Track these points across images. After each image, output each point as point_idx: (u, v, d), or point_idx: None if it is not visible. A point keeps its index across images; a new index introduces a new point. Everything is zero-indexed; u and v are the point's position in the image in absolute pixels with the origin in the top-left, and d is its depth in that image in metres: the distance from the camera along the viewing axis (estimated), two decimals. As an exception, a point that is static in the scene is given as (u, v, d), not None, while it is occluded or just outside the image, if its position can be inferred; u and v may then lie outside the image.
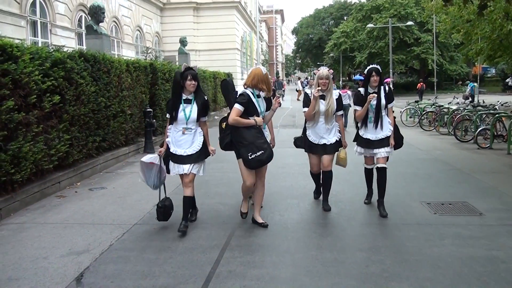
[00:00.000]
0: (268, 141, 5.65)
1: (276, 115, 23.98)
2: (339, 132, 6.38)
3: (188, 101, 5.49)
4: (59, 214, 6.44)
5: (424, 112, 17.91)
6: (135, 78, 11.36)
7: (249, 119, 5.41)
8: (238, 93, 5.58)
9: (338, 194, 7.21)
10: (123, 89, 10.51)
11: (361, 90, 6.43)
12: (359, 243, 5.18)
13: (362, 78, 29.01)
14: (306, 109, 6.32)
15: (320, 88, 6.06)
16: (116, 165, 10.06)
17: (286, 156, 10.64)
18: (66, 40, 16.98)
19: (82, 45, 18.19)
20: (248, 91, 5.50)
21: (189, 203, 5.65)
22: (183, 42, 21.87)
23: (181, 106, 5.45)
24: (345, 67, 62.36)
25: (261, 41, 53.84)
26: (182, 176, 5.58)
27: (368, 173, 6.78)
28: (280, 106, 5.71)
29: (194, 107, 5.48)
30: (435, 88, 28.90)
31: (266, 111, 5.72)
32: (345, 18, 69.59)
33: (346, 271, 4.37)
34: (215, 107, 23.51)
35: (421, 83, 36.57)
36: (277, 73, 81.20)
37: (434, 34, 29.85)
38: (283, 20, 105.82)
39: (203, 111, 5.55)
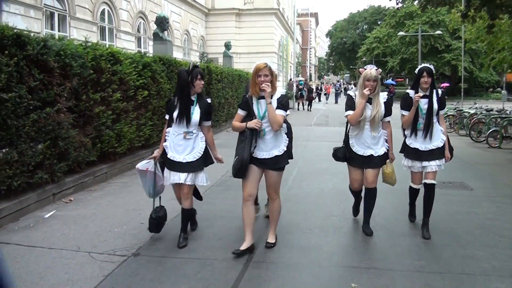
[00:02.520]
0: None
1: (311, 115, 26.22)
2: (387, 142, 5.49)
3: (190, 103, 5.08)
4: (151, 179, 8.63)
5: (446, 115, 19.67)
6: (195, 78, 13.53)
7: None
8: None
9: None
10: (187, 87, 12.70)
11: (410, 92, 5.62)
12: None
13: (393, 82, 30.24)
14: (350, 112, 5.33)
15: (368, 87, 5.18)
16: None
17: (321, 148, 12.65)
18: (128, 44, 19.31)
19: (141, 48, 20.57)
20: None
21: (188, 216, 5.33)
22: (227, 46, 23.77)
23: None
24: (377, 72, 63.55)
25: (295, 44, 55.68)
26: (177, 185, 5.20)
27: (413, 193, 5.94)
28: (267, 87, 4.67)
29: (197, 109, 5.04)
30: (462, 94, 30.27)
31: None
32: (378, 23, 70.88)
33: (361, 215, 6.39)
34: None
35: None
36: (310, 75, 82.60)
37: (463, 41, 31.28)
38: (317, 23, 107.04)
39: (205, 115, 5.11)
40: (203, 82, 5.12)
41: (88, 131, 7.84)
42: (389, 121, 5.48)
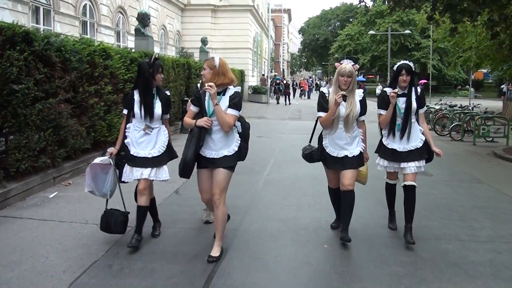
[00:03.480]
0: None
1: (285, 109, 27.16)
2: (363, 142, 5.17)
3: (153, 97, 4.90)
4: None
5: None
6: (177, 73, 14.26)
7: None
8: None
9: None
10: (170, 81, 13.42)
11: (388, 90, 5.19)
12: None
13: (363, 79, 31.44)
14: (322, 114, 4.99)
15: (342, 93, 4.75)
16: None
17: (295, 140, 13.46)
18: (108, 38, 19.78)
19: (120, 42, 21.12)
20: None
21: (144, 214, 5.03)
22: (204, 41, 24.36)
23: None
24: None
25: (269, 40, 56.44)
26: (138, 181, 4.91)
27: (390, 189, 5.65)
28: (210, 89, 4.35)
29: (158, 103, 4.88)
30: (429, 92, 31.62)
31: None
32: (350, 20, 72.14)
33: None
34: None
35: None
36: (283, 71, 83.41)
37: (432, 40, 32.62)
38: (290, 19, 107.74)
39: (166, 108, 4.96)
40: (162, 76, 5.04)
41: (84, 121, 8.50)
42: (363, 121, 5.15)
